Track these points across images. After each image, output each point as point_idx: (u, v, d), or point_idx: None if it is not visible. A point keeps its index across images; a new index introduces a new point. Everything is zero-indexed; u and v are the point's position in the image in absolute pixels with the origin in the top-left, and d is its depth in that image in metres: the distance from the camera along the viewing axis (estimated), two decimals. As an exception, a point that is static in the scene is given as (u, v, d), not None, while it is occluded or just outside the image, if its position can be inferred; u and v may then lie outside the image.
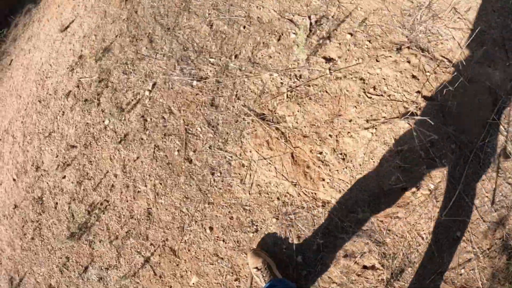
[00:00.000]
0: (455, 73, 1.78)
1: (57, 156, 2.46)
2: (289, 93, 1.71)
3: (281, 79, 1.75)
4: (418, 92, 1.79)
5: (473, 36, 1.81)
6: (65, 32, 2.92)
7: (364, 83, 1.70)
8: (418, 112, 1.73)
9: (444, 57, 1.85)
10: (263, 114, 1.73)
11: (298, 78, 1.75)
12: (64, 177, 2.38)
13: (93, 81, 2.36)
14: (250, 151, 1.73)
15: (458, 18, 1.94)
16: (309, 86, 1.71)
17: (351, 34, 1.80)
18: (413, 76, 1.81)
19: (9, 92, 3.37)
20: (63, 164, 2.41)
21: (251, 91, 1.77)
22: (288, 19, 1.84)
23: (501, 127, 1.74)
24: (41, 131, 2.70)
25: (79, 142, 2.33)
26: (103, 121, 2.20)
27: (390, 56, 1.76)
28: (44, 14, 3.44)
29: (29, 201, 2.55)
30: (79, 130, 2.35)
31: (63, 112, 2.56)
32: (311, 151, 1.69)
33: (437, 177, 1.66)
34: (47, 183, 2.48)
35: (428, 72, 1.82)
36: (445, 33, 1.91)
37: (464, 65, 1.78)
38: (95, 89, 2.33)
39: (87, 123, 2.34)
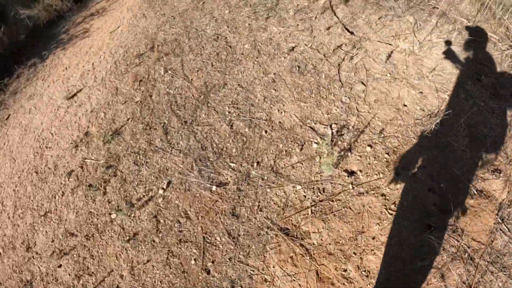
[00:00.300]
0: (467, 185, 1.87)
1: (52, 241, 2.28)
2: (313, 208, 1.70)
3: (305, 192, 1.75)
4: (435, 205, 1.84)
5: (484, 148, 1.91)
6: (71, 100, 2.83)
7: (385, 199, 1.73)
8: (436, 226, 1.78)
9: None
10: (287, 229, 1.70)
11: (322, 192, 1.75)
12: (59, 266, 2.19)
13: (100, 166, 2.26)
14: (274, 267, 1.67)
15: (465, 126, 2.06)
16: (332, 201, 1.71)
17: (371, 146, 1.85)
18: (429, 189, 1.87)
19: (2, 151, 3.17)
20: (59, 251, 2.23)
21: (274, 203, 1.75)
22: (310, 127, 1.88)
23: (505, 228, 1.83)
24: (35, 208, 2.51)
25: (80, 231, 2.18)
26: (110, 214, 2.08)
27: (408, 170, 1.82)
28: (50, 73, 3.34)
29: (15, 282, 2.31)
30: (81, 217, 2.20)
31: (63, 192, 2.41)
32: (336, 268, 1.66)
33: (452, 286, 1.68)
34: (38, 267, 2.27)
35: (442, 185, 1.89)
36: (455, 142, 2.02)
37: (472, 175, 1.87)
38: (101, 175, 2.23)
39: (90, 211, 2.21)
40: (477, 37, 2.53)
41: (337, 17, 2.32)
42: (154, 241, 1.90)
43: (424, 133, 1.97)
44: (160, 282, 1.85)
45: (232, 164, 1.87)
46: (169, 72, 2.38)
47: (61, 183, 2.46)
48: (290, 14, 2.46)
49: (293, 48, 2.21)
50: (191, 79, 2.25)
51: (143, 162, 2.10)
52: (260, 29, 2.42)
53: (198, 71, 2.31)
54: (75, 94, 2.85)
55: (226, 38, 2.48)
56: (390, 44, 2.21)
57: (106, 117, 2.44)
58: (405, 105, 2.03)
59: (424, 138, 1.97)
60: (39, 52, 3.87)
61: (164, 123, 2.14)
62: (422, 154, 1.90)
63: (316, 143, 1.85)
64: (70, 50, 3.38)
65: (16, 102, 3.48)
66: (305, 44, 2.19)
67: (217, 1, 2.90)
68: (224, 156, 1.90)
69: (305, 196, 1.75)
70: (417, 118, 2.02)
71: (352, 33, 2.23)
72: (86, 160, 2.38)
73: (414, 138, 1.94)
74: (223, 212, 1.79)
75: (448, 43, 2.44)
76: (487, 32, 2.63)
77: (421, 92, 2.10)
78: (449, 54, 2.37)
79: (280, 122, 1.94)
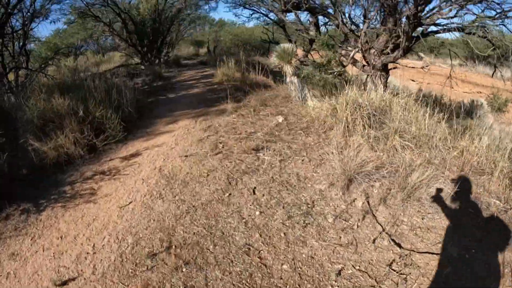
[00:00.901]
0: None
1: None
2: None
3: None
4: None
5: None
6: (59, 289, 2.47)
7: None
8: None
9: None
10: None
11: None
12: None
13: None
14: None
15: None
16: None
17: None
18: None
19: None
20: None
21: None
22: None
23: None
24: None
25: None
26: None
27: None
28: (42, 233, 3.00)
29: None
30: None
31: None
32: None
33: None
34: None
35: None
36: None
37: None
38: None
39: None
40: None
41: (380, 225, 2.34)
42: None
43: None
44: None
45: None
46: (191, 293, 2.11)
47: None
48: (329, 221, 2.44)
49: (339, 272, 2.07)
50: (220, 312, 1.98)
51: None
52: (299, 242, 2.32)
53: (228, 299, 2.05)
54: (66, 283, 2.50)
55: (259, 251, 2.32)
56: (439, 254, 2.16)
57: None
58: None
59: None
60: (37, 197, 3.62)
61: None
62: None
63: None
64: (70, 212, 3.17)
65: (-4, 257, 3.04)
66: (353, 266, 2.08)
67: (245, 195, 2.87)
68: None
69: None
70: None
71: (399, 245, 2.20)
72: None
73: None
74: None
75: (486, 234, 2.43)
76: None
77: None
78: (492, 252, 2.32)
79: None
